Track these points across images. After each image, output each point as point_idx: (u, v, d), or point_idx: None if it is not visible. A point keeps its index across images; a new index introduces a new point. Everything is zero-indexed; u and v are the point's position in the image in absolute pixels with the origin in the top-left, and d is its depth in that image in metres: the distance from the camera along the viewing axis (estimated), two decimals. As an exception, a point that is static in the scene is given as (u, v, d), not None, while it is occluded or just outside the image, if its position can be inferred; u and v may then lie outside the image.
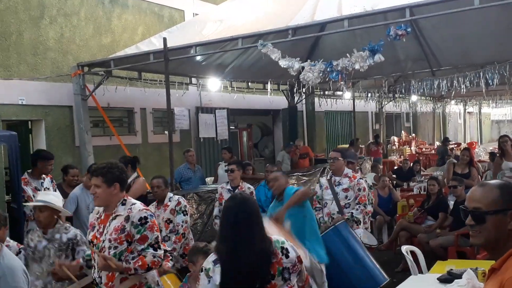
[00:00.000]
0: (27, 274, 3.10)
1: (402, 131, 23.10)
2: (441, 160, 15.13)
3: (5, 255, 3.03)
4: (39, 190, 6.44)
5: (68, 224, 4.62)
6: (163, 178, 6.13)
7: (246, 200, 3.12)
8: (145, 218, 3.65)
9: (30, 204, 4.49)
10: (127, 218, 3.64)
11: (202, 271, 2.95)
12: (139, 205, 3.75)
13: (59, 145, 9.67)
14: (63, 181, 6.94)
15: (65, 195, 6.57)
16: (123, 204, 3.72)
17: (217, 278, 2.88)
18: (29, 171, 6.71)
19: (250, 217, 2.99)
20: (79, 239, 4.47)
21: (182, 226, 5.86)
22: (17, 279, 2.98)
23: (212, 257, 2.98)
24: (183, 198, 6.12)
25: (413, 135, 23.22)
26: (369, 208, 6.42)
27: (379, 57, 6.88)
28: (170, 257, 5.08)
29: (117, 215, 3.68)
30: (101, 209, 3.84)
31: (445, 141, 17.19)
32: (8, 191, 8.39)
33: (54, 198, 4.49)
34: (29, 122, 9.72)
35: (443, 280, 4.48)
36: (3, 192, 8.68)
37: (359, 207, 6.19)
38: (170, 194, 6.03)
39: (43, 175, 6.59)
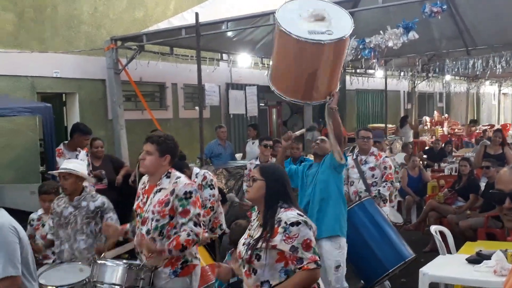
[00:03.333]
0: (17, 229, 3.18)
1: (435, 111, 22.71)
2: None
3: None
4: (72, 163, 6.56)
5: (94, 192, 4.68)
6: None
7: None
8: (190, 192, 3.66)
9: (54, 172, 4.56)
10: (172, 192, 3.65)
11: (295, 225, 2.88)
12: (184, 179, 3.77)
13: (92, 118, 9.83)
14: (90, 153, 7.04)
15: (94, 168, 6.70)
16: (168, 177, 3.73)
17: (314, 225, 2.98)
18: (65, 142, 6.78)
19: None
20: (107, 207, 4.53)
21: (209, 200, 5.90)
22: (4, 234, 3.08)
23: (292, 212, 2.94)
24: (209, 172, 6.15)
25: (446, 115, 22.82)
26: (396, 185, 6.43)
27: (413, 35, 6.76)
28: (206, 230, 5.13)
29: (161, 188, 3.70)
30: (146, 178, 3.88)
31: (471, 122, 16.88)
32: (42, 162, 8.63)
33: (77, 165, 4.52)
34: (63, 95, 9.90)
35: (471, 260, 4.46)
36: (38, 163, 8.95)
37: (385, 184, 6.20)
38: (196, 170, 6.09)
39: (79, 148, 6.66)
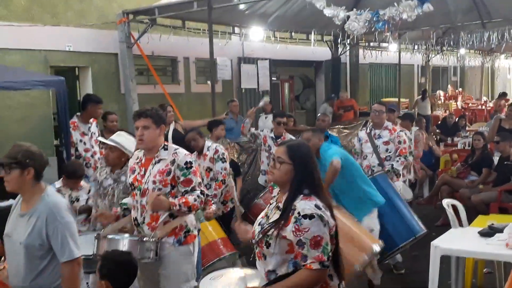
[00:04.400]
0: (71, 210, 3.22)
1: (449, 85, 22.48)
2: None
3: (49, 193, 3.15)
4: (86, 135, 6.59)
5: None
6: (197, 129, 6.21)
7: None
8: (190, 162, 3.79)
9: (105, 140, 4.49)
10: (172, 162, 3.75)
11: (308, 218, 2.62)
12: (183, 150, 3.88)
13: (105, 92, 9.85)
14: (103, 128, 7.08)
15: (106, 143, 6.73)
16: (165, 149, 3.82)
17: (331, 221, 2.71)
18: (78, 114, 6.78)
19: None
20: None
21: (221, 173, 5.95)
22: (64, 214, 3.08)
23: (309, 202, 2.68)
24: (220, 146, 6.19)
25: (460, 89, 22.58)
26: (410, 159, 6.41)
27: (428, 7, 6.65)
28: (213, 202, 5.19)
29: (160, 159, 3.78)
30: (141, 153, 3.93)
31: (501, 96, 16.65)
32: (56, 135, 8.71)
33: (125, 140, 4.47)
34: (76, 69, 9.93)
35: (484, 233, 4.46)
36: (52, 136, 9.04)
37: (399, 159, 6.17)
38: (208, 143, 6.11)
39: (90, 120, 6.70)
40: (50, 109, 9.04)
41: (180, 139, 7.01)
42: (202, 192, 3.81)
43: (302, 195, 2.69)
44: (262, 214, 2.92)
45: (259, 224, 2.84)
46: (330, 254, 2.65)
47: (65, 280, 3.06)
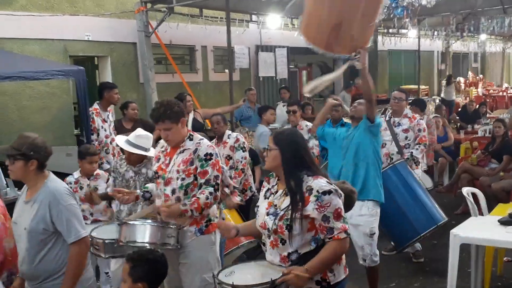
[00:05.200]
0: (70, 190, 3.29)
1: (469, 72, 22.19)
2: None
3: (51, 179, 3.25)
4: (106, 122, 6.78)
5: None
6: (222, 115, 6.24)
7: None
8: (211, 154, 3.75)
9: (127, 147, 4.52)
10: (195, 151, 3.75)
11: (327, 193, 2.79)
12: (207, 141, 3.86)
13: (124, 81, 9.94)
14: (123, 115, 7.17)
15: (124, 130, 6.81)
16: (191, 139, 3.82)
17: (341, 192, 2.90)
18: (97, 102, 6.92)
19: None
20: None
21: (241, 162, 5.97)
22: (66, 197, 3.19)
23: (321, 180, 2.85)
24: (241, 135, 6.22)
25: (481, 76, 22.28)
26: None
27: (447, -8, 6.57)
28: (238, 193, 5.19)
29: (185, 149, 3.79)
30: (165, 143, 3.94)
31: None
32: (76, 125, 8.81)
33: (145, 141, 4.52)
34: (95, 58, 10.01)
35: (504, 222, 4.42)
36: (72, 125, 9.14)
37: (418, 147, 6.11)
38: (228, 132, 6.14)
39: (108, 108, 6.86)
40: (70, 98, 9.14)
41: (199, 128, 7.07)
42: (216, 188, 3.75)
43: (310, 177, 2.86)
44: (265, 205, 2.98)
45: (268, 214, 2.91)
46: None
47: (72, 260, 3.17)
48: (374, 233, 4.77)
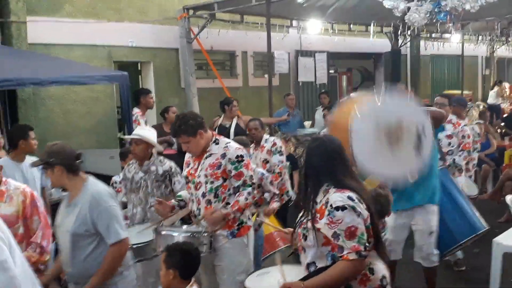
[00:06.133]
0: (111, 193, 3.36)
1: (515, 78, 21.61)
2: None
3: (90, 182, 3.33)
4: (146, 125, 6.94)
5: (162, 157, 4.86)
6: (259, 120, 6.28)
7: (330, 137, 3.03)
8: (241, 156, 3.87)
9: (127, 136, 4.78)
10: (223, 155, 3.85)
11: (340, 209, 2.64)
12: (234, 144, 3.97)
13: (166, 87, 10.12)
14: (164, 120, 7.38)
15: (164, 134, 6.96)
16: (217, 143, 3.92)
17: (365, 213, 2.70)
18: (136, 107, 7.19)
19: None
20: (174, 171, 4.73)
21: (278, 165, 5.99)
22: (106, 199, 3.26)
23: (342, 194, 2.69)
24: (278, 139, 6.26)
25: (527, 81, 21.67)
26: (474, 155, 6.19)
27: (491, -3, 6.45)
28: (277, 199, 5.20)
29: (211, 154, 3.89)
30: None
31: None
32: (120, 128, 9.01)
33: (148, 133, 4.73)
34: (139, 64, 10.22)
35: (549, 231, 4.31)
36: (116, 129, 9.36)
37: (462, 153, 6.00)
38: (266, 136, 6.19)
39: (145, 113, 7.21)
40: (113, 102, 9.35)
41: (241, 133, 7.15)
42: (253, 187, 3.89)
43: (335, 188, 2.72)
44: None
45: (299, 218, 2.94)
46: (367, 244, 2.65)
47: (108, 259, 3.23)
48: (433, 232, 4.74)
